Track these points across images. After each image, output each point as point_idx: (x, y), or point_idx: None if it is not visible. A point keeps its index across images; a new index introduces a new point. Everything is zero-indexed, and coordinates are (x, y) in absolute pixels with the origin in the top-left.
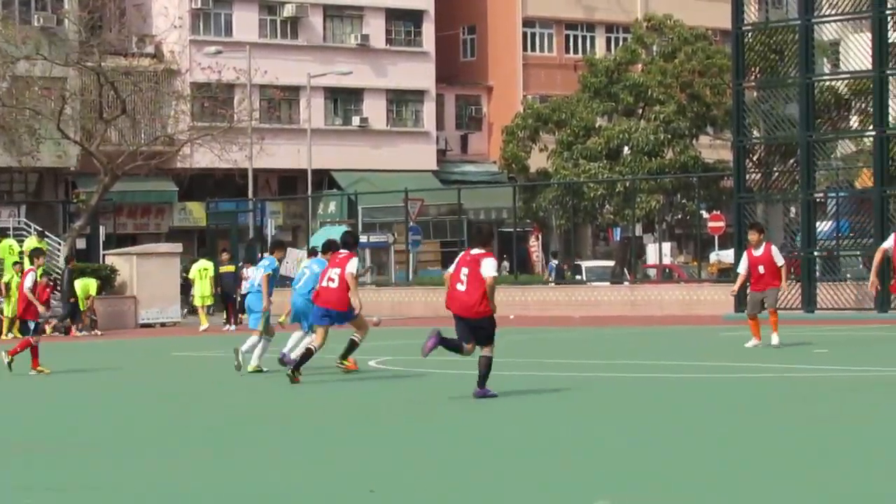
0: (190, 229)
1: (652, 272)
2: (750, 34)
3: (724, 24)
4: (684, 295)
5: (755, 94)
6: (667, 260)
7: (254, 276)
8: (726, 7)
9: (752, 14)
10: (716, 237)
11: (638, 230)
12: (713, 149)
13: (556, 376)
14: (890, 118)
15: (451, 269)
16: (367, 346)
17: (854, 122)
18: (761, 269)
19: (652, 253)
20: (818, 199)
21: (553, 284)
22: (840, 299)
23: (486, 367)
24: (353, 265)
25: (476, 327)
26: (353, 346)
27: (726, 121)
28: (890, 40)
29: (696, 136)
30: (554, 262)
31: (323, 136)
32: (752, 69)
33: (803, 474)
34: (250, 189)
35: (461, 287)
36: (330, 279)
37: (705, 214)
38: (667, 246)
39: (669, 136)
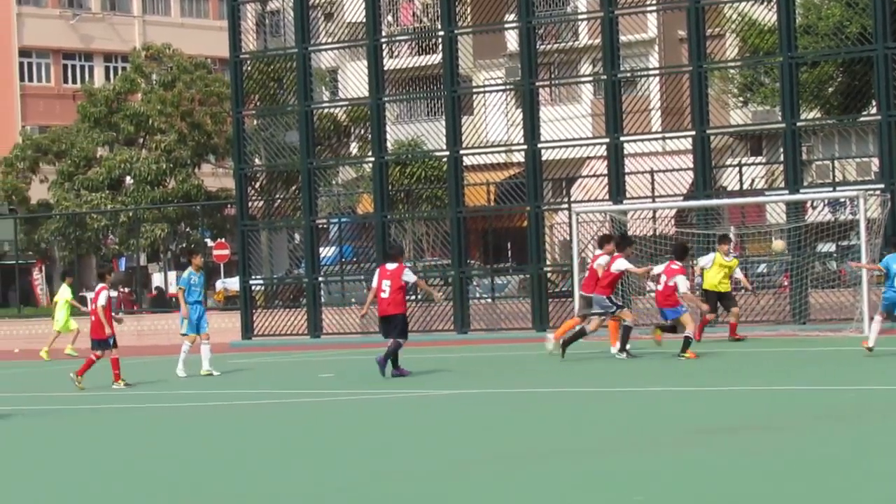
0: None
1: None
2: (249, 62)
3: (223, 53)
4: None
5: (256, 122)
6: (172, 289)
7: None
8: (224, 36)
9: (250, 43)
10: (221, 265)
11: (143, 260)
12: (216, 177)
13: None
14: (388, 144)
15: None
16: None
17: (354, 148)
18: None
19: (158, 282)
20: (321, 225)
21: None
22: (345, 324)
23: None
24: None
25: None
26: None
27: (228, 149)
28: (386, 67)
29: (198, 165)
30: None
31: None
32: (252, 97)
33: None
34: None
35: (384, 294)
36: None
37: (210, 243)
38: (172, 275)
39: (171, 165)
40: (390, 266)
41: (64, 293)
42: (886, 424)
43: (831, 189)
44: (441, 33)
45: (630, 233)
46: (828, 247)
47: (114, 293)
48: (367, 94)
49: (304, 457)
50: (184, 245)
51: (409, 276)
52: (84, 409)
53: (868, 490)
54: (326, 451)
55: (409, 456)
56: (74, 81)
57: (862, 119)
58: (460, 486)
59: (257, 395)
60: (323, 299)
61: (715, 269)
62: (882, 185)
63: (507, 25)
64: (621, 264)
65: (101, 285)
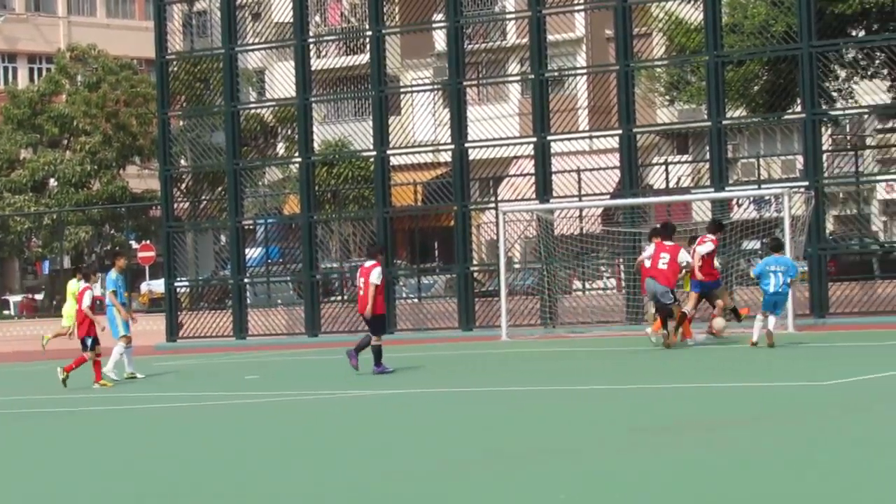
0: None
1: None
2: (175, 63)
3: (149, 54)
4: None
5: (181, 122)
6: (96, 292)
7: None
8: (150, 36)
9: (176, 43)
10: (146, 267)
11: (67, 262)
12: (141, 178)
13: None
14: (315, 144)
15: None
16: None
17: (280, 148)
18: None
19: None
20: (247, 226)
21: None
22: (271, 325)
23: (374, 349)
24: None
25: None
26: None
27: (153, 150)
28: (313, 67)
29: (123, 166)
30: None
31: None
32: (178, 98)
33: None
34: None
35: (361, 292)
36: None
37: (135, 244)
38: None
39: (96, 167)
40: (367, 264)
41: (72, 287)
42: (812, 420)
43: (756, 187)
44: (369, 33)
45: (557, 232)
46: (753, 244)
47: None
48: (294, 94)
49: (226, 459)
50: (108, 247)
51: (374, 278)
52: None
53: (800, 486)
54: (250, 453)
55: (338, 457)
56: None
57: (787, 117)
58: (389, 487)
59: (184, 399)
60: (249, 300)
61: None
62: (806, 183)
63: (434, 25)
64: (684, 257)
65: (84, 285)
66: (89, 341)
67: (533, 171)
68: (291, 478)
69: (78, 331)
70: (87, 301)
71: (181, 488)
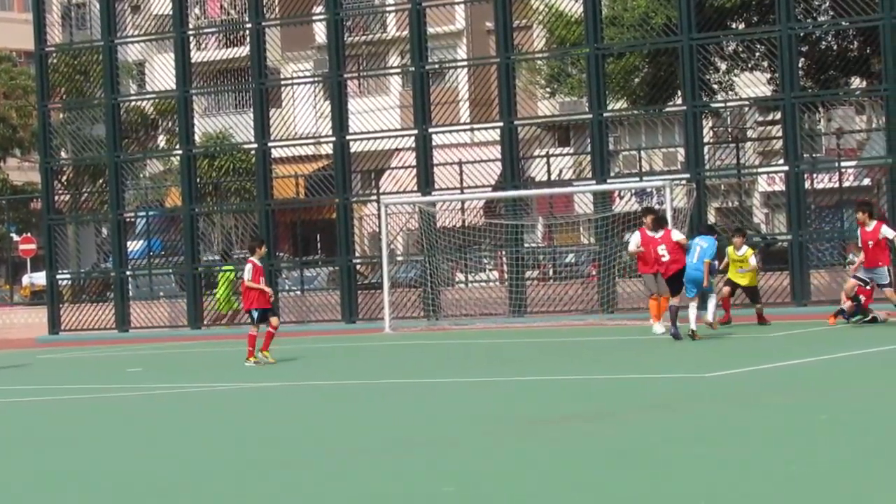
0: None
1: None
2: (54, 55)
3: (28, 46)
4: None
5: (62, 115)
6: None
7: None
8: (29, 28)
9: (56, 35)
10: (28, 260)
11: None
12: (22, 171)
13: None
14: (196, 137)
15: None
16: None
17: (162, 141)
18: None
19: None
20: (129, 219)
21: None
22: (153, 318)
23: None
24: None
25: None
26: None
27: (33, 142)
28: (193, 60)
29: (3, 159)
30: None
31: None
32: (58, 90)
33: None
34: None
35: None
36: None
37: (16, 237)
38: None
39: None
40: (658, 234)
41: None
42: (700, 412)
43: (638, 179)
44: (248, 25)
45: (439, 224)
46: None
47: None
48: (174, 86)
49: (98, 450)
50: None
51: (677, 236)
52: None
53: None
54: (123, 444)
55: (207, 448)
56: None
57: (668, 110)
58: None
59: (63, 392)
60: (131, 293)
61: (731, 264)
62: (688, 175)
63: (314, 17)
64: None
65: (249, 258)
66: (255, 314)
67: (415, 163)
68: (165, 467)
69: (243, 303)
70: (247, 274)
71: (51, 477)
